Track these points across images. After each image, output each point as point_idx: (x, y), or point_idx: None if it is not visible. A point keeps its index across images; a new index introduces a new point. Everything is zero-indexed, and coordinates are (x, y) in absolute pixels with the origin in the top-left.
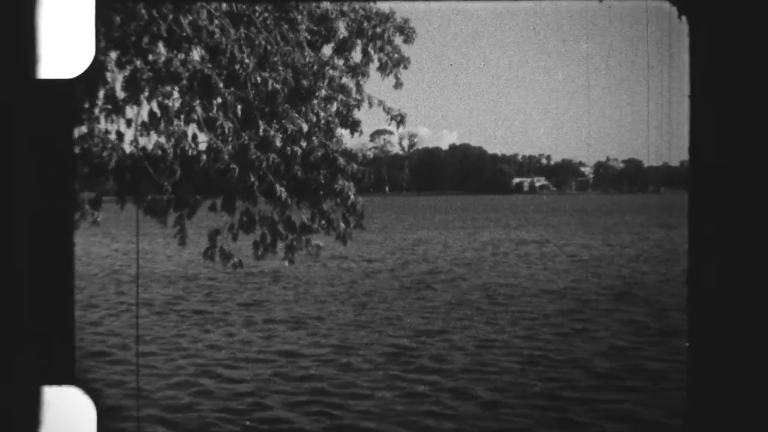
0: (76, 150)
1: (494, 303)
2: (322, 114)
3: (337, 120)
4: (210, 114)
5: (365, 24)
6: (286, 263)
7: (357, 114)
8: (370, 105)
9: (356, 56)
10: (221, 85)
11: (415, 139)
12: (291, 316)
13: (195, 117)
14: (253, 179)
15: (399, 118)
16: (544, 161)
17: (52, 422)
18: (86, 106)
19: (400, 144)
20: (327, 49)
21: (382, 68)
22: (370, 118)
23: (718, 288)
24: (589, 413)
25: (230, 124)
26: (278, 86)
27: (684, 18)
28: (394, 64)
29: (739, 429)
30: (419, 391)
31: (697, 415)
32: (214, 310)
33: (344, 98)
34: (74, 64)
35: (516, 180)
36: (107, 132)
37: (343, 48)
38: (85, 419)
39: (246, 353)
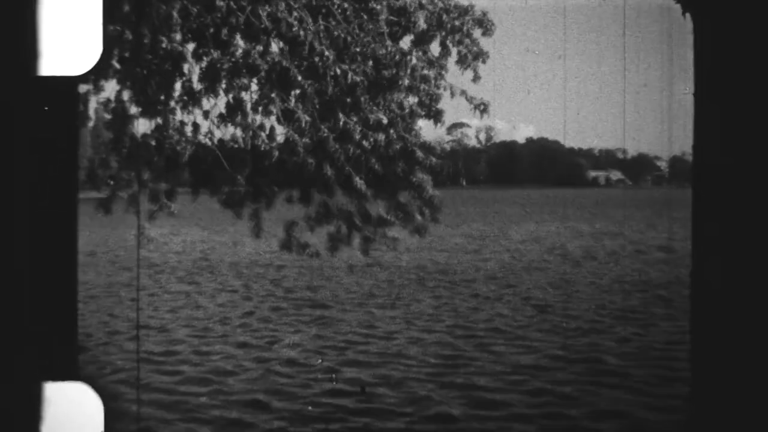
0: (152, 141)
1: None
2: (405, 103)
3: (420, 110)
4: (288, 106)
5: (444, 17)
6: (361, 255)
7: (437, 105)
8: (453, 94)
9: (435, 49)
10: (300, 77)
11: (492, 133)
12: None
13: (273, 109)
14: (330, 172)
15: (482, 106)
16: (620, 155)
17: (60, 417)
18: (162, 97)
19: (477, 137)
20: (406, 42)
21: (461, 61)
22: (447, 111)
23: (722, 284)
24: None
25: (308, 117)
26: (358, 78)
27: (688, 15)
28: (473, 57)
29: (742, 424)
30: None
31: (701, 411)
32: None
33: (426, 88)
34: (79, 62)
35: (592, 174)
36: (183, 123)
37: (422, 40)
38: (91, 414)
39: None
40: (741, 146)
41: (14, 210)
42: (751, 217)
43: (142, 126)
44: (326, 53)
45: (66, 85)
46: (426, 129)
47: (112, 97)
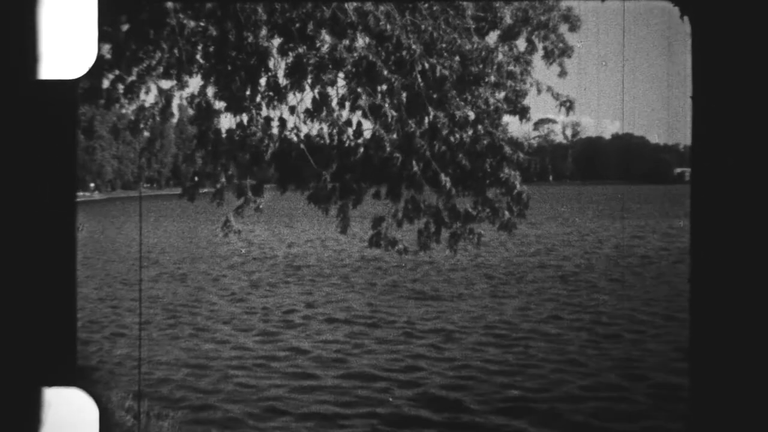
0: (236, 136)
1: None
2: (491, 100)
3: (505, 106)
4: (375, 101)
5: (530, 12)
6: (448, 252)
7: (523, 101)
8: (539, 91)
9: (521, 45)
10: (386, 72)
11: (578, 128)
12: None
13: (360, 104)
14: (416, 168)
15: (568, 103)
16: None
17: (55, 423)
18: (247, 93)
19: (564, 133)
20: (492, 38)
21: (547, 56)
22: (534, 106)
23: (720, 285)
24: None
25: (395, 113)
26: (446, 72)
27: (686, 18)
28: (559, 52)
29: (741, 425)
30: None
31: (700, 412)
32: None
33: (513, 84)
34: (76, 66)
35: (677, 170)
36: (269, 119)
37: (508, 36)
38: (87, 420)
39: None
40: (740, 146)
41: (12, 214)
42: (751, 216)
43: (227, 122)
44: (413, 47)
45: (64, 88)
46: (513, 125)
47: (196, 93)
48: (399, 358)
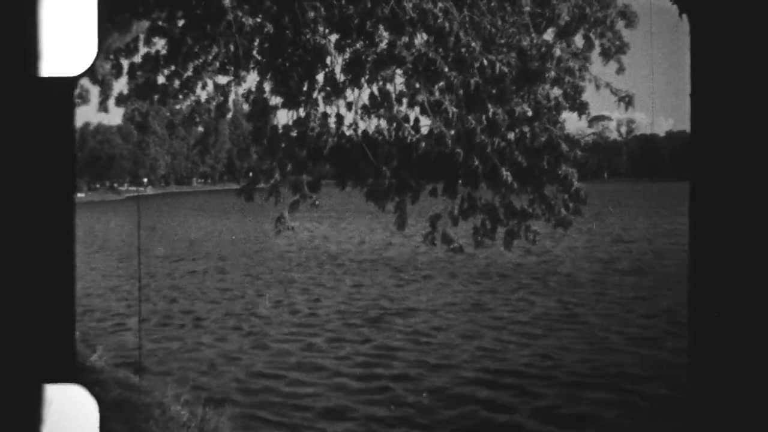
0: (293, 133)
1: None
2: (552, 94)
3: (564, 102)
4: (434, 98)
5: (587, 9)
6: (503, 249)
7: (582, 97)
8: (597, 87)
9: (578, 41)
10: (446, 68)
11: (633, 125)
12: None
13: (419, 100)
14: (477, 163)
15: (627, 99)
16: None
17: (54, 420)
18: (304, 89)
19: (618, 130)
20: (549, 34)
21: (605, 53)
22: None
23: (721, 284)
24: None
25: (455, 109)
26: (506, 69)
27: (684, 16)
28: (616, 49)
29: (741, 422)
30: None
31: (700, 412)
32: None
33: (571, 80)
34: (76, 63)
35: None
36: (326, 115)
37: (565, 32)
38: (87, 417)
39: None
40: (739, 145)
41: (10, 211)
42: (750, 214)
43: (282, 117)
44: (472, 44)
45: (63, 85)
46: (567, 121)
47: (253, 89)
48: None
